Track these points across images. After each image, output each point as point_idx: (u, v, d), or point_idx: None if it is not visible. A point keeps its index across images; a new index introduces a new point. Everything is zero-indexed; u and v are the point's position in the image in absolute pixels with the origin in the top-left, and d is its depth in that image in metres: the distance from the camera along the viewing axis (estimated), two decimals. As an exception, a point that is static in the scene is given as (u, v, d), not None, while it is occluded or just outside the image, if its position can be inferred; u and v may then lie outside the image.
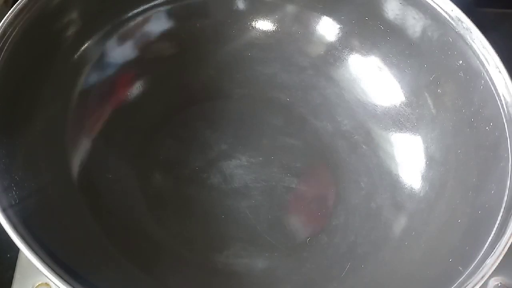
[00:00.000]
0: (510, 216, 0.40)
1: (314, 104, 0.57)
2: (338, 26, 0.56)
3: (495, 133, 0.45)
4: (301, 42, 0.58)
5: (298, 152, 0.55)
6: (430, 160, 0.51)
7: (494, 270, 0.38)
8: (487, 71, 0.46)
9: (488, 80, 0.46)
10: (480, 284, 0.37)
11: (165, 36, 0.55)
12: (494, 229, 0.40)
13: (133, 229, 0.48)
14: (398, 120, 0.54)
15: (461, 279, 0.38)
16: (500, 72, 0.45)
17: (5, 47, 0.42)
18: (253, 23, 0.57)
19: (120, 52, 0.53)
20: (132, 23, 0.53)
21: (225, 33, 0.57)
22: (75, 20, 0.49)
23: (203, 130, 0.55)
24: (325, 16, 0.56)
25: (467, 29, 0.47)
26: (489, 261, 0.38)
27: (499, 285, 0.49)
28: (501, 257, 0.38)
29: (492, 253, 0.38)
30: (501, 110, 0.45)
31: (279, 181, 0.53)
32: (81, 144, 0.49)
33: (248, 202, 0.51)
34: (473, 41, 0.47)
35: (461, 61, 0.48)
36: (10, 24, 0.43)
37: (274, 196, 0.52)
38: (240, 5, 0.57)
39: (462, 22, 0.48)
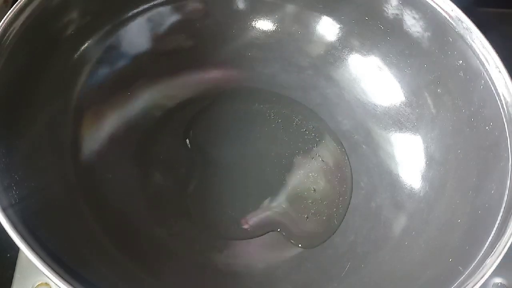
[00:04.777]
0: (510, 216, 0.40)
1: (314, 104, 0.57)
2: (338, 26, 0.56)
3: (495, 133, 0.45)
4: (301, 42, 0.58)
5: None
6: (430, 160, 0.51)
7: (494, 270, 0.38)
8: (487, 71, 0.46)
9: (488, 80, 0.46)
10: (480, 284, 0.37)
11: (164, 36, 0.56)
12: (494, 229, 0.40)
13: (133, 229, 0.48)
14: (398, 120, 0.54)
15: (461, 279, 0.39)
16: (500, 72, 0.45)
17: (5, 47, 0.42)
18: (253, 23, 0.57)
19: (120, 52, 0.53)
20: (132, 23, 0.53)
21: (225, 33, 0.57)
22: (75, 20, 0.49)
23: (203, 130, 0.55)
24: (325, 16, 0.56)
25: (467, 29, 0.47)
26: (489, 261, 0.38)
27: (499, 285, 0.49)
28: (501, 257, 0.38)
29: (492, 253, 0.39)
30: (501, 110, 0.45)
31: (279, 181, 0.53)
32: (81, 144, 0.49)
33: (248, 201, 0.52)
34: (473, 41, 0.47)
35: (461, 61, 0.48)
36: (10, 23, 0.43)
37: (273, 195, 0.52)
38: (240, 5, 0.57)
39: (462, 22, 0.48)
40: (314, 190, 0.53)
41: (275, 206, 0.52)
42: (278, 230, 0.50)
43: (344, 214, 0.52)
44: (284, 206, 0.52)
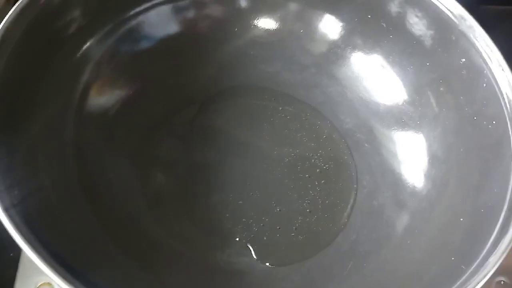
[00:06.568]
0: (513, 215, 0.40)
1: (317, 102, 0.57)
2: (341, 24, 0.56)
3: (498, 131, 0.45)
4: (303, 40, 0.57)
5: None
6: (433, 159, 0.51)
7: (497, 268, 0.38)
8: (490, 69, 0.46)
9: (491, 78, 0.46)
10: (482, 282, 0.37)
11: (166, 34, 0.55)
12: (497, 227, 0.40)
13: (134, 228, 0.48)
14: (400, 118, 0.54)
15: (463, 277, 0.38)
16: (503, 70, 0.45)
17: (7, 46, 0.42)
18: (255, 22, 0.57)
19: (120, 51, 0.53)
20: (133, 22, 0.53)
21: (227, 31, 0.57)
22: (77, 19, 0.49)
23: (203, 129, 0.55)
24: (327, 14, 0.56)
25: (470, 27, 0.47)
26: (491, 259, 0.38)
27: (502, 283, 0.49)
28: (504, 256, 0.38)
29: (495, 251, 0.38)
30: (504, 108, 0.45)
31: (281, 180, 0.53)
32: (81, 144, 0.49)
33: (250, 201, 0.51)
34: (476, 39, 0.47)
35: (464, 59, 0.48)
36: (12, 22, 0.43)
37: (276, 194, 0.52)
38: (243, 3, 0.57)
39: (465, 20, 0.48)
40: (318, 189, 0.53)
41: (276, 205, 0.52)
42: (278, 235, 0.50)
43: (350, 213, 0.52)
44: (284, 206, 0.52)
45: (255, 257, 0.49)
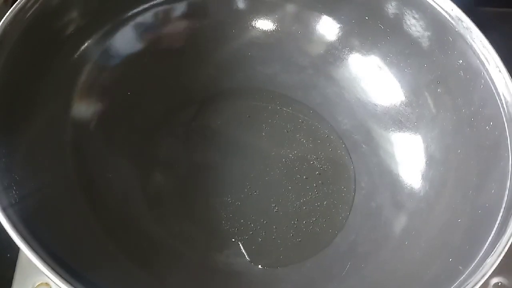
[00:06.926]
0: (511, 216, 0.40)
1: (314, 104, 0.57)
2: (338, 25, 0.56)
3: (495, 133, 0.45)
4: (301, 42, 0.58)
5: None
6: (430, 160, 0.51)
7: (495, 269, 0.38)
8: (487, 70, 0.46)
9: (488, 79, 0.46)
10: (480, 283, 0.37)
11: (165, 35, 0.55)
12: (495, 228, 0.40)
13: (133, 228, 0.48)
14: (398, 119, 0.54)
15: (461, 278, 0.38)
16: (500, 71, 0.45)
17: (5, 46, 0.42)
18: (253, 23, 0.57)
19: (119, 51, 0.53)
20: (132, 23, 0.53)
21: (225, 32, 0.57)
22: (76, 19, 0.49)
23: (203, 129, 0.55)
24: (325, 15, 0.56)
25: (467, 28, 0.47)
26: (489, 260, 0.38)
27: (499, 284, 0.49)
28: (501, 257, 0.38)
29: (493, 252, 0.38)
30: (501, 110, 0.45)
31: (280, 181, 0.53)
32: (81, 144, 0.49)
33: (248, 201, 0.51)
34: (473, 41, 0.47)
35: (461, 61, 0.48)
36: (10, 23, 0.43)
37: (274, 195, 0.52)
38: (240, 4, 0.57)
39: (462, 21, 0.48)
40: (316, 190, 0.53)
41: (275, 206, 0.52)
42: (273, 237, 0.50)
43: (348, 214, 0.52)
44: (282, 207, 0.52)
45: (248, 258, 0.49)
